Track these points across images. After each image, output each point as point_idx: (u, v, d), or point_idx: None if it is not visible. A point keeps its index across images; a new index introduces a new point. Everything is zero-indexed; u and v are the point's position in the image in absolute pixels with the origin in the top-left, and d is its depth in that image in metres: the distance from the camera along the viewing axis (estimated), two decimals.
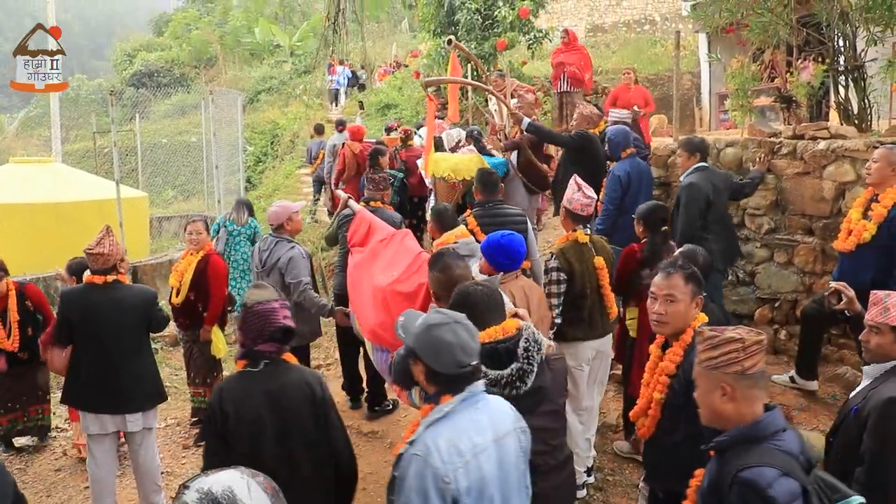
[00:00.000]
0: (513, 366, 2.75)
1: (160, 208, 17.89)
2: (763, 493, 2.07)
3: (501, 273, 3.99)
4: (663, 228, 4.93)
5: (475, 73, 13.73)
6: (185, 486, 1.63)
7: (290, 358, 3.21)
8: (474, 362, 2.42)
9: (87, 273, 4.87)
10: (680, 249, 4.05)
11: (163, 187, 19.69)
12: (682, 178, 5.93)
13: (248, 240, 8.08)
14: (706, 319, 3.25)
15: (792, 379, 5.66)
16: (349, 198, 5.98)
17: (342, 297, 5.79)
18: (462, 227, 5.04)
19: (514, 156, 7.48)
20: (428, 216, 8.30)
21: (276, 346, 3.11)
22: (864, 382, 3.34)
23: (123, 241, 5.66)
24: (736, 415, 2.29)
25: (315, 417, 3.10)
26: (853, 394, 3.39)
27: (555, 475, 2.86)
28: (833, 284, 3.96)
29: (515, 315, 3.07)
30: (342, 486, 3.21)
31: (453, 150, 8.65)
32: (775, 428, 2.26)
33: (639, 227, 5.04)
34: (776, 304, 6.40)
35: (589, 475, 4.90)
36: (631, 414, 3.43)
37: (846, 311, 3.88)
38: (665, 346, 3.30)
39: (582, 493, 4.76)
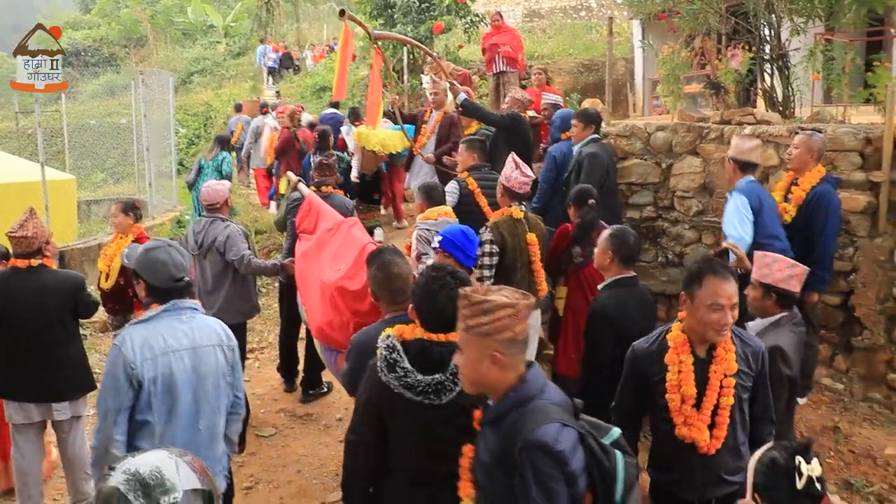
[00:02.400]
0: (436, 375, 2.59)
1: (89, 191, 17.31)
2: (551, 450, 2.09)
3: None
4: (590, 202, 5.05)
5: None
6: (111, 468, 1.61)
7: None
8: (187, 278, 3.05)
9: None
10: (608, 230, 4.10)
11: (91, 170, 19.07)
12: (578, 147, 6.14)
13: (216, 170, 9.60)
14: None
15: None
16: (299, 180, 5.92)
17: (287, 285, 5.83)
18: (446, 206, 5.07)
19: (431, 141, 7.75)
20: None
21: None
22: None
23: (49, 226, 5.49)
24: (501, 381, 2.23)
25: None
26: None
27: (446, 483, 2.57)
28: (724, 243, 4.20)
29: None
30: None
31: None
32: (541, 383, 2.26)
33: (570, 209, 5.19)
34: None
35: None
36: (698, 438, 2.99)
37: (738, 270, 4.13)
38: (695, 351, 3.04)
39: None
